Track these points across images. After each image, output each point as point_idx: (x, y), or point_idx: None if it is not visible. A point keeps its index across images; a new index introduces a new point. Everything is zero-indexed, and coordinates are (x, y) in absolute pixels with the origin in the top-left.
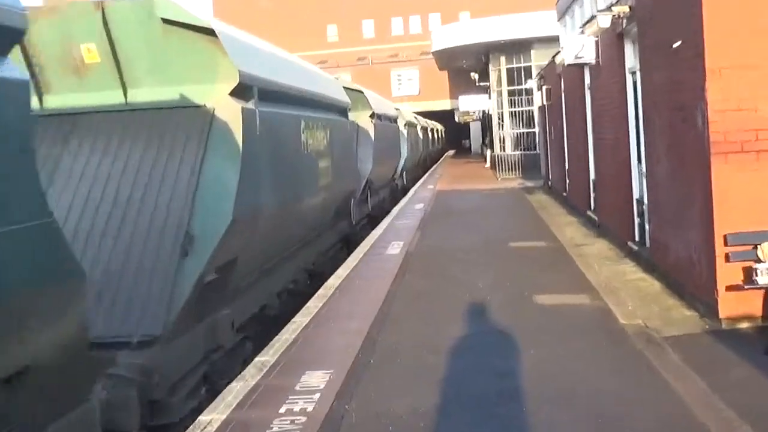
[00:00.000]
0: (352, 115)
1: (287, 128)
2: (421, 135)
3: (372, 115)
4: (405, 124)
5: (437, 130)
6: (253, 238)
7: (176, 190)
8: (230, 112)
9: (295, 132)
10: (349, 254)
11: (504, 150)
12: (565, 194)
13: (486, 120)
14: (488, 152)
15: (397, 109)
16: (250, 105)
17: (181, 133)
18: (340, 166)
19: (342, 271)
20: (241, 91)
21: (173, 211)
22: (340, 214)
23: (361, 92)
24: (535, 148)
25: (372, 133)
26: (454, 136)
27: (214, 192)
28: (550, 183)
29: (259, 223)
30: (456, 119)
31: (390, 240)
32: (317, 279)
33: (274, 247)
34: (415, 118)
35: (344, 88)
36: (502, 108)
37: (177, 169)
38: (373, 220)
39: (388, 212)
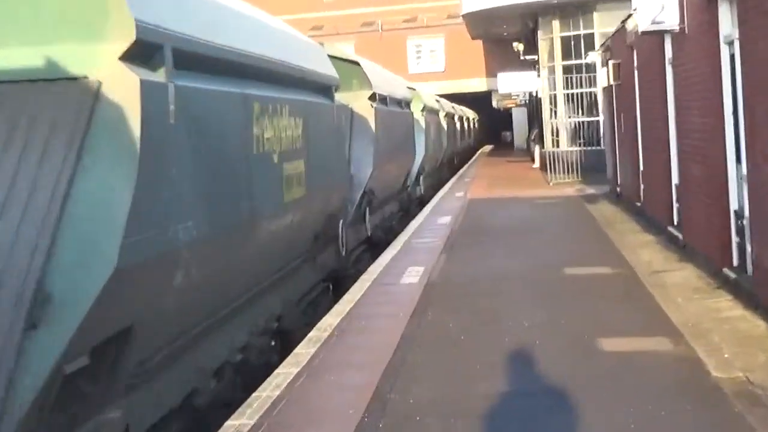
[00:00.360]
0: (342, 97)
1: (227, 114)
2: (446, 125)
3: (372, 97)
4: (422, 110)
5: (469, 119)
6: (163, 293)
7: (26, 218)
8: (123, 88)
9: (242, 120)
10: (337, 300)
11: (557, 145)
12: (638, 204)
13: (534, 106)
14: (536, 148)
15: (411, 89)
16: (158, 76)
17: (44, 121)
18: (321, 171)
19: (342, 307)
20: (141, 54)
21: (19, 253)
22: (323, 242)
23: (357, 64)
24: (598, 143)
25: (372, 123)
26: (492, 127)
27: (89, 221)
28: (618, 189)
29: (174, 266)
30: (494, 104)
31: (406, 265)
32: (288, 340)
33: (208, 301)
34: (438, 102)
35: (331, 57)
36: (554, 89)
37: (31, 183)
38: (375, 248)
39: (396, 233)
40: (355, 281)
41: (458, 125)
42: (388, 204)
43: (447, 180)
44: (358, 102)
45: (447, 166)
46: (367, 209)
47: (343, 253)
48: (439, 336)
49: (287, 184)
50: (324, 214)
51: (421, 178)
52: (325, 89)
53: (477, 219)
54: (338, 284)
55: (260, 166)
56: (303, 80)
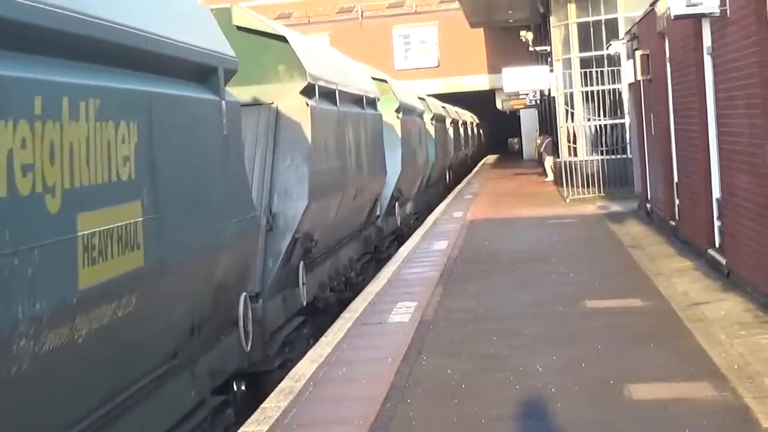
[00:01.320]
0: (262, 91)
1: None
2: (434, 132)
3: (308, 91)
4: (398, 111)
5: (467, 123)
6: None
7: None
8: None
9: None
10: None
11: (575, 154)
12: (673, 223)
13: (546, 106)
14: (548, 158)
15: (379, 80)
16: None
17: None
18: (190, 217)
19: (319, 350)
20: None
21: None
22: (202, 342)
23: (283, 40)
24: (624, 151)
25: (307, 131)
26: (496, 133)
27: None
28: (648, 206)
29: None
30: (498, 105)
31: (395, 300)
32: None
33: None
34: (423, 100)
35: (240, 29)
36: (570, 87)
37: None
38: (317, 317)
39: (358, 291)
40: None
41: (453, 131)
42: (342, 248)
43: (435, 205)
44: (285, 98)
45: (437, 186)
46: (301, 266)
47: (247, 346)
48: (436, 385)
49: (85, 253)
50: (204, 293)
51: (397, 204)
52: (203, 75)
53: (479, 244)
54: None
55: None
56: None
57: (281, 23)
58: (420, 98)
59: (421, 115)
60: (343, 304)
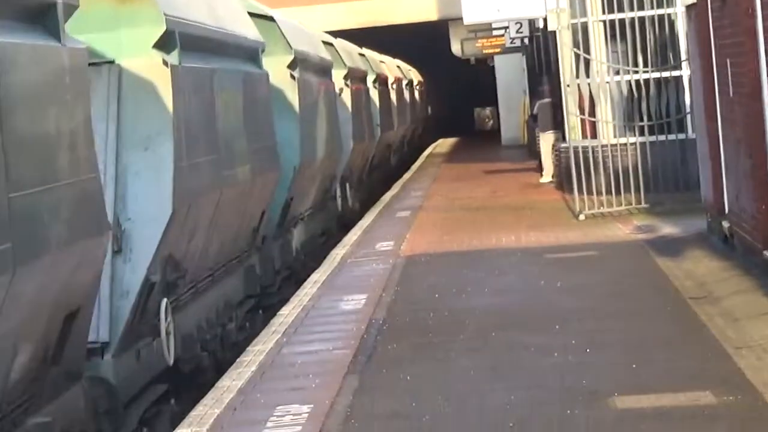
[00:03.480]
0: None
1: None
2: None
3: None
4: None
5: (414, 85)
6: None
7: None
8: None
9: None
10: None
11: (593, 134)
12: None
13: (540, 50)
14: (546, 138)
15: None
16: None
17: None
18: None
19: None
20: None
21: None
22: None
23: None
24: (681, 129)
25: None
26: (453, 99)
27: None
28: (726, 225)
29: None
30: (455, 50)
31: (271, 403)
32: None
33: None
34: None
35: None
36: (584, 13)
37: None
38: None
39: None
40: None
41: (396, 97)
42: (217, 284)
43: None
44: (133, 55)
45: (379, 170)
46: (165, 306)
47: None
48: None
49: None
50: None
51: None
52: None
53: (422, 299)
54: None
55: None
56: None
57: None
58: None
59: (364, 79)
60: (219, 372)
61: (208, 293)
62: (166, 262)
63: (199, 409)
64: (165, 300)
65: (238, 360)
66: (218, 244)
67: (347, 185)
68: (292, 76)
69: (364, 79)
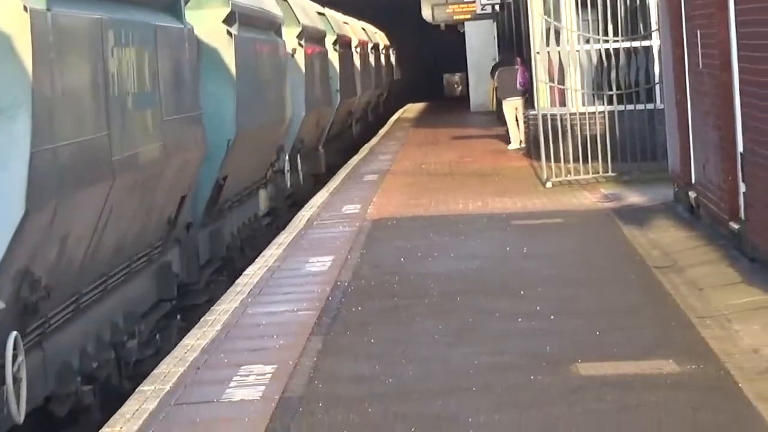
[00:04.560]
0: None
1: None
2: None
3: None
4: (299, 37)
5: (379, 49)
6: None
7: None
8: None
9: None
10: None
11: (562, 102)
12: (735, 226)
13: (511, 17)
14: (511, 103)
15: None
16: None
17: None
18: None
19: None
20: None
21: None
22: None
23: None
24: (649, 98)
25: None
26: (422, 64)
27: None
28: (693, 195)
29: None
30: (426, 16)
31: (233, 363)
32: None
33: None
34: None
35: None
36: None
37: None
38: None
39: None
40: None
41: (360, 61)
42: (112, 294)
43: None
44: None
45: (338, 140)
46: (12, 341)
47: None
48: None
49: None
50: None
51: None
52: None
53: (388, 262)
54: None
55: None
56: None
57: None
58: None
59: (322, 41)
60: (108, 411)
61: (97, 307)
62: (21, 281)
63: (162, 368)
64: (14, 334)
65: (202, 319)
66: (113, 244)
67: (298, 158)
68: (229, 33)
69: (322, 41)
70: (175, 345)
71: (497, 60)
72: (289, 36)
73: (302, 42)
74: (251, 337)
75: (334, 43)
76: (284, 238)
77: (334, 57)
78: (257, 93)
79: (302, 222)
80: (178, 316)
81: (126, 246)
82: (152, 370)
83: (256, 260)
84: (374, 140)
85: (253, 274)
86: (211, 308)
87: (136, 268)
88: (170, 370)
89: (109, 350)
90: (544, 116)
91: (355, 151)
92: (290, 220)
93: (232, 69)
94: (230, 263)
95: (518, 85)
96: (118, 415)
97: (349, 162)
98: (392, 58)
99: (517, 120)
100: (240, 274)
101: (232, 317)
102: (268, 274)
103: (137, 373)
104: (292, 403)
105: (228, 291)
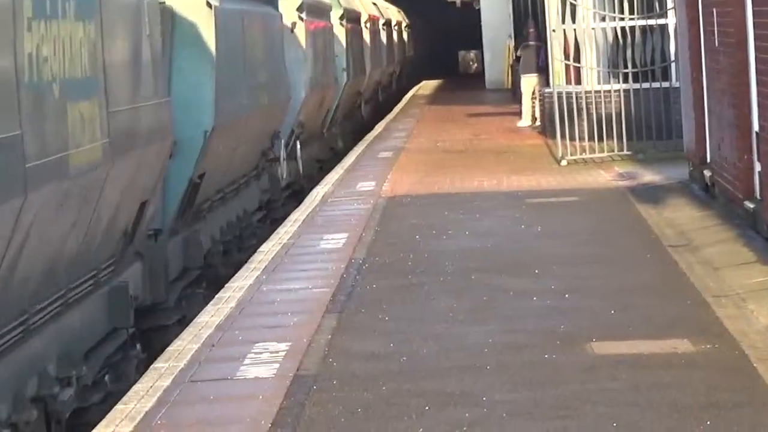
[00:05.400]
0: None
1: None
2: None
3: None
4: (301, 9)
5: (393, 25)
6: None
7: None
8: None
9: None
10: None
11: (577, 80)
12: (751, 205)
13: None
14: (528, 79)
15: None
16: None
17: None
18: None
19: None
20: None
21: None
22: None
23: None
24: (665, 76)
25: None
26: (438, 41)
27: None
28: (708, 174)
29: None
30: None
31: (248, 340)
32: None
33: None
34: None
35: None
36: None
37: None
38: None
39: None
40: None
41: (370, 38)
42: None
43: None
44: None
45: (346, 124)
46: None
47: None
48: None
49: None
50: None
51: (299, 144)
52: None
53: (404, 239)
54: None
55: None
56: None
57: None
58: None
59: (327, 14)
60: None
61: (14, 355)
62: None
63: (176, 345)
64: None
65: (216, 296)
66: (37, 272)
67: (297, 144)
68: (209, 4)
69: (326, 14)
70: (136, 379)
71: (511, 36)
72: (288, 8)
73: (303, 15)
74: (266, 314)
75: (341, 18)
76: (299, 215)
77: (340, 32)
78: (243, 74)
79: (317, 199)
80: (138, 346)
81: (58, 273)
82: (102, 417)
83: (271, 237)
84: (389, 117)
85: (267, 251)
86: (226, 285)
87: (75, 296)
88: (185, 347)
89: (30, 409)
90: (560, 94)
91: (365, 134)
92: (287, 214)
93: (211, 46)
94: (213, 269)
95: (539, 62)
96: (132, 392)
97: (363, 139)
98: (405, 35)
99: (534, 97)
100: (223, 285)
101: (247, 294)
102: (283, 251)
103: (77, 423)
104: (306, 381)
105: (243, 268)
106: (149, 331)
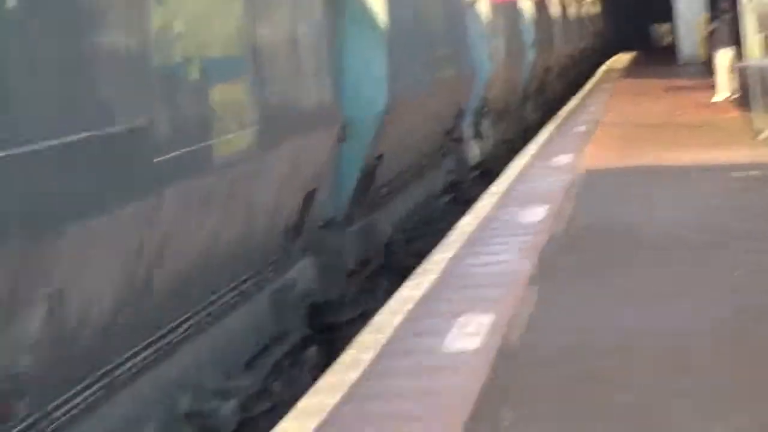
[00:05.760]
0: None
1: None
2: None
3: None
4: None
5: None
6: None
7: None
8: None
9: None
10: None
11: None
12: None
13: None
14: (723, 55)
15: None
16: None
17: None
18: None
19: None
20: None
21: None
22: None
23: None
24: None
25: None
26: (628, 15)
27: None
28: None
29: None
30: None
31: (456, 311)
32: None
33: None
34: None
35: None
36: None
37: None
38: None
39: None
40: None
41: (559, 11)
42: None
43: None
44: None
45: (534, 101)
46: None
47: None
48: None
49: None
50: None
51: (485, 123)
52: None
53: (602, 212)
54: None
55: None
56: None
57: None
58: None
59: None
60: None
61: (156, 375)
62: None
63: (379, 318)
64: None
65: (417, 269)
66: (183, 279)
67: (483, 122)
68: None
69: None
70: (314, 381)
71: (707, 9)
72: None
73: None
74: (467, 286)
75: None
76: (497, 188)
77: (526, 6)
78: (420, 49)
79: (515, 172)
80: (313, 347)
81: (207, 278)
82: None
83: (470, 210)
84: (582, 92)
85: (467, 223)
86: (427, 257)
87: (231, 301)
88: (388, 320)
89: (183, 425)
90: (757, 67)
91: (556, 111)
92: (477, 196)
93: (383, 19)
94: (396, 258)
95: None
96: (336, 364)
97: (557, 114)
98: (596, 8)
99: (730, 71)
100: (407, 275)
101: (448, 267)
102: (483, 223)
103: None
104: (511, 354)
105: (441, 242)
106: (331, 329)
